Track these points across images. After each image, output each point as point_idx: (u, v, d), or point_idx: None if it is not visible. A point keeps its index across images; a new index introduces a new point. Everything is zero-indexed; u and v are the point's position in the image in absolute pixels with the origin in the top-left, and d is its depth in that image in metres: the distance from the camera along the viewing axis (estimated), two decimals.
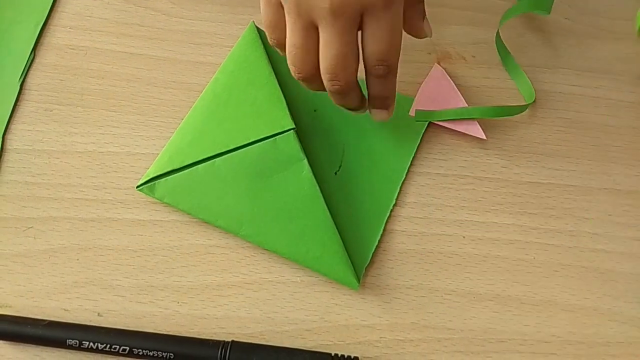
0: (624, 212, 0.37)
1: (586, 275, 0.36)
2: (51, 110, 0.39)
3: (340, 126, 0.38)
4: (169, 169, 0.36)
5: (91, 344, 0.32)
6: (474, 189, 0.38)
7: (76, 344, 0.32)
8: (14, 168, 0.37)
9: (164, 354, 0.32)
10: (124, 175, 0.37)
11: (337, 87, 0.31)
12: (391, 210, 0.37)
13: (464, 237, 0.37)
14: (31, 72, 0.40)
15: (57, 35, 0.41)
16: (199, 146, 0.36)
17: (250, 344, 0.33)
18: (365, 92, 0.34)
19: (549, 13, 0.39)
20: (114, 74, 0.40)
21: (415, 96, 0.39)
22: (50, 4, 0.41)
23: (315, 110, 0.39)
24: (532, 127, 0.39)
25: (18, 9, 0.41)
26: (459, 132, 0.38)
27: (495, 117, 0.39)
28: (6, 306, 0.34)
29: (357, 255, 0.35)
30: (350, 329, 0.34)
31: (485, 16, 0.42)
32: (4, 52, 0.40)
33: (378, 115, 0.35)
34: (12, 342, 0.33)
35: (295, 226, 0.35)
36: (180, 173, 0.36)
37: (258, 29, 0.40)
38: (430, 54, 0.41)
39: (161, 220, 0.36)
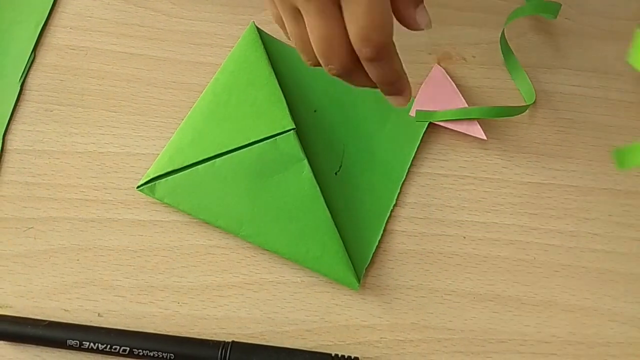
0: (624, 212, 0.37)
1: (586, 275, 0.36)
2: (51, 111, 0.39)
3: (340, 126, 0.38)
4: (169, 169, 0.36)
5: (91, 344, 0.32)
6: (474, 189, 0.38)
7: (76, 345, 0.32)
8: (14, 168, 0.37)
9: (164, 354, 0.32)
10: (124, 175, 0.37)
11: (333, 71, 0.29)
12: (391, 211, 0.37)
13: (464, 237, 0.37)
14: (31, 72, 0.40)
15: (57, 36, 0.41)
16: (199, 146, 0.36)
17: (251, 344, 0.33)
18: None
19: (556, 17, 0.39)
20: (114, 75, 0.40)
21: (415, 96, 0.39)
22: (51, 4, 0.41)
23: (315, 111, 0.39)
24: (532, 127, 0.39)
25: (18, 9, 0.41)
26: (459, 132, 0.38)
27: (496, 117, 0.39)
28: (6, 306, 0.34)
29: (358, 256, 0.35)
30: (350, 330, 0.34)
31: (485, 16, 0.42)
32: (4, 52, 0.40)
33: (393, 101, 0.32)
34: (13, 343, 0.33)
35: (295, 226, 0.35)
36: (181, 173, 0.36)
37: (258, 29, 0.40)
38: (430, 54, 0.41)
39: (161, 221, 0.36)
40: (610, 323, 0.35)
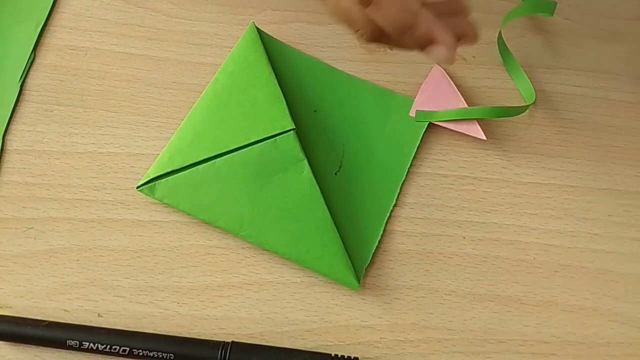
0: (624, 212, 0.37)
1: (586, 275, 0.36)
2: (51, 111, 0.39)
3: (340, 126, 0.38)
4: (169, 170, 0.36)
5: (91, 344, 0.32)
6: (474, 189, 0.38)
7: (76, 345, 0.32)
8: (14, 169, 0.37)
9: (164, 354, 0.32)
10: (124, 175, 0.37)
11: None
12: (391, 211, 0.37)
13: (464, 237, 0.37)
14: (31, 72, 0.40)
15: (57, 36, 0.41)
16: (199, 147, 0.36)
17: (251, 344, 0.33)
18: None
19: (552, 15, 0.39)
20: (114, 75, 0.40)
21: (415, 97, 0.39)
22: (51, 5, 0.41)
23: (315, 111, 0.39)
24: (532, 127, 0.39)
25: (18, 9, 0.41)
26: (459, 132, 0.38)
27: (496, 117, 0.39)
28: (6, 307, 0.34)
29: (357, 256, 0.35)
30: (350, 330, 0.34)
31: (485, 17, 0.42)
32: (4, 52, 0.40)
33: (433, 56, 0.29)
34: (13, 343, 0.33)
35: (295, 226, 0.35)
36: (181, 173, 0.36)
37: (258, 29, 0.40)
38: None
39: (161, 221, 0.36)
40: (610, 323, 0.35)
